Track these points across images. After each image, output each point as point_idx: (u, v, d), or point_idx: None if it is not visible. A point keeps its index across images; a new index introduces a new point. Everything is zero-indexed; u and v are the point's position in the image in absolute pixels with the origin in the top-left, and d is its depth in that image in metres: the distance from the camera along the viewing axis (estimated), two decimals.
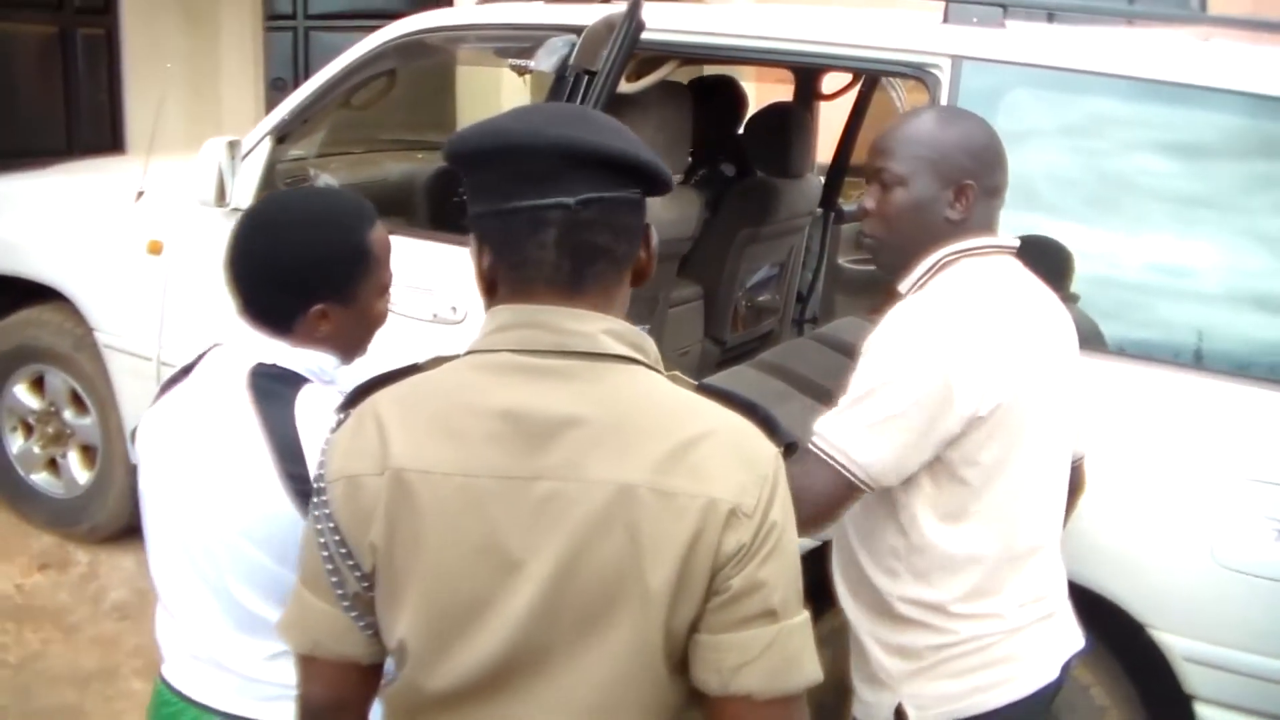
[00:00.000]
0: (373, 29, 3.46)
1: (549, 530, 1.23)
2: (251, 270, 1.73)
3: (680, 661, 1.27)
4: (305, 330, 1.73)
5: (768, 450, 1.27)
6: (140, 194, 3.73)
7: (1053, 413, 1.87)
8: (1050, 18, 2.75)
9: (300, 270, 1.70)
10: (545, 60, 2.99)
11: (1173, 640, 2.33)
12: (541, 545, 1.23)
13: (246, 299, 1.74)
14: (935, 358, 1.75)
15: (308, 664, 1.37)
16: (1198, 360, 2.40)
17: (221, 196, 3.33)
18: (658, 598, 1.21)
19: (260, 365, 1.71)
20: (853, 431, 1.77)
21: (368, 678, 1.38)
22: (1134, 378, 2.38)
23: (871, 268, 4.75)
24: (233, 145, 3.34)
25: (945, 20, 2.68)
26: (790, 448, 1.32)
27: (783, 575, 1.25)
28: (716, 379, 3.40)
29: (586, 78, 2.83)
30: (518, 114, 1.33)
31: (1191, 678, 2.33)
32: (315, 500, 1.33)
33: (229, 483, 1.67)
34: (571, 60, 2.59)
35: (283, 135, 3.46)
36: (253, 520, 1.65)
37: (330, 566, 1.32)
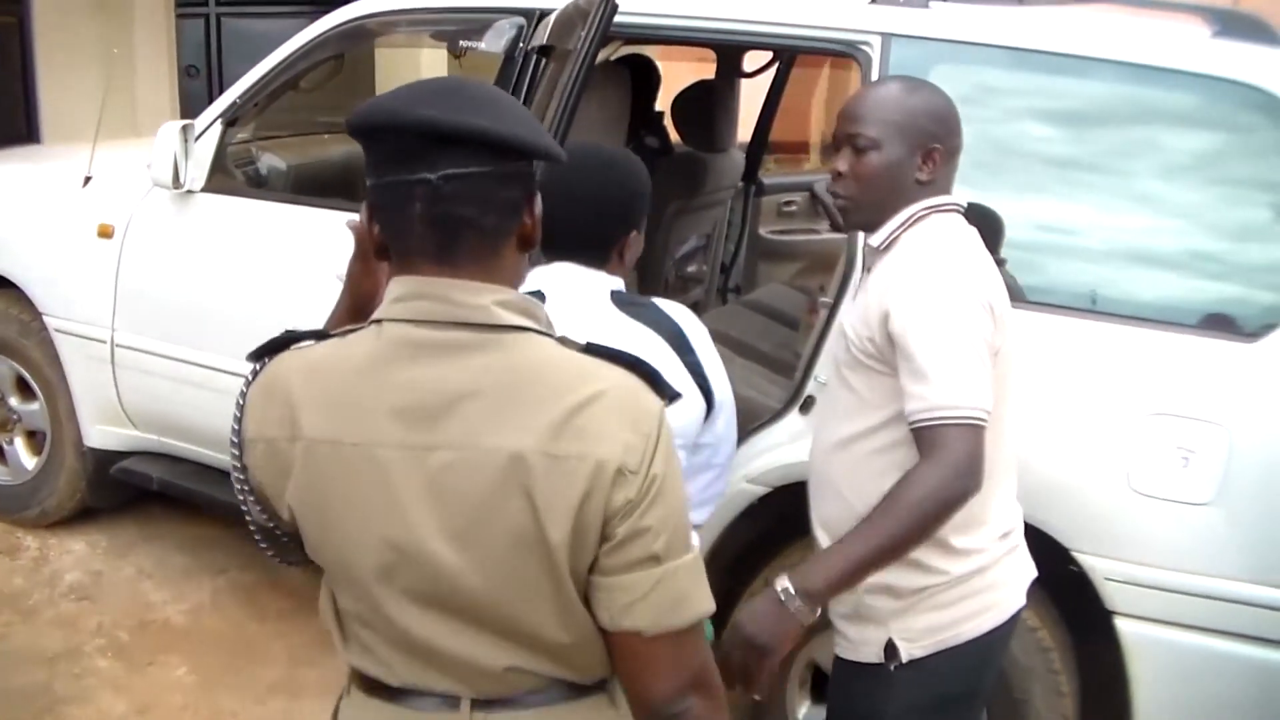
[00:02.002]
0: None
1: (448, 497, 1.31)
2: (590, 207, 2.01)
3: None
4: (615, 258, 2.05)
5: (653, 405, 1.35)
6: (88, 179, 3.79)
7: (1016, 353, 2.03)
8: None
9: (628, 201, 2.04)
10: (494, 42, 3.13)
11: (1095, 562, 2.54)
12: (443, 510, 1.32)
13: (582, 234, 2.01)
14: (972, 289, 1.90)
15: None
16: (1107, 309, 2.61)
17: (178, 179, 3.42)
18: (559, 550, 1.31)
19: (614, 291, 2.02)
20: (966, 386, 1.84)
21: None
22: (1053, 327, 2.60)
23: (790, 238, 5.03)
24: (186, 129, 3.43)
25: (873, 1, 2.88)
26: (674, 399, 1.40)
27: (666, 521, 1.33)
28: None
29: (535, 59, 2.99)
30: (395, 93, 1.37)
31: (1112, 595, 2.54)
32: (235, 452, 1.42)
33: None
34: (546, 41, 2.72)
35: (233, 119, 3.56)
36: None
37: (244, 505, 1.45)
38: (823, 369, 2.64)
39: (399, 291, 1.35)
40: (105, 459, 3.88)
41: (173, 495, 3.86)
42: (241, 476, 1.42)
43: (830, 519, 2.09)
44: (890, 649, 1.99)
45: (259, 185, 3.85)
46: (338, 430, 1.33)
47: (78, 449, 3.95)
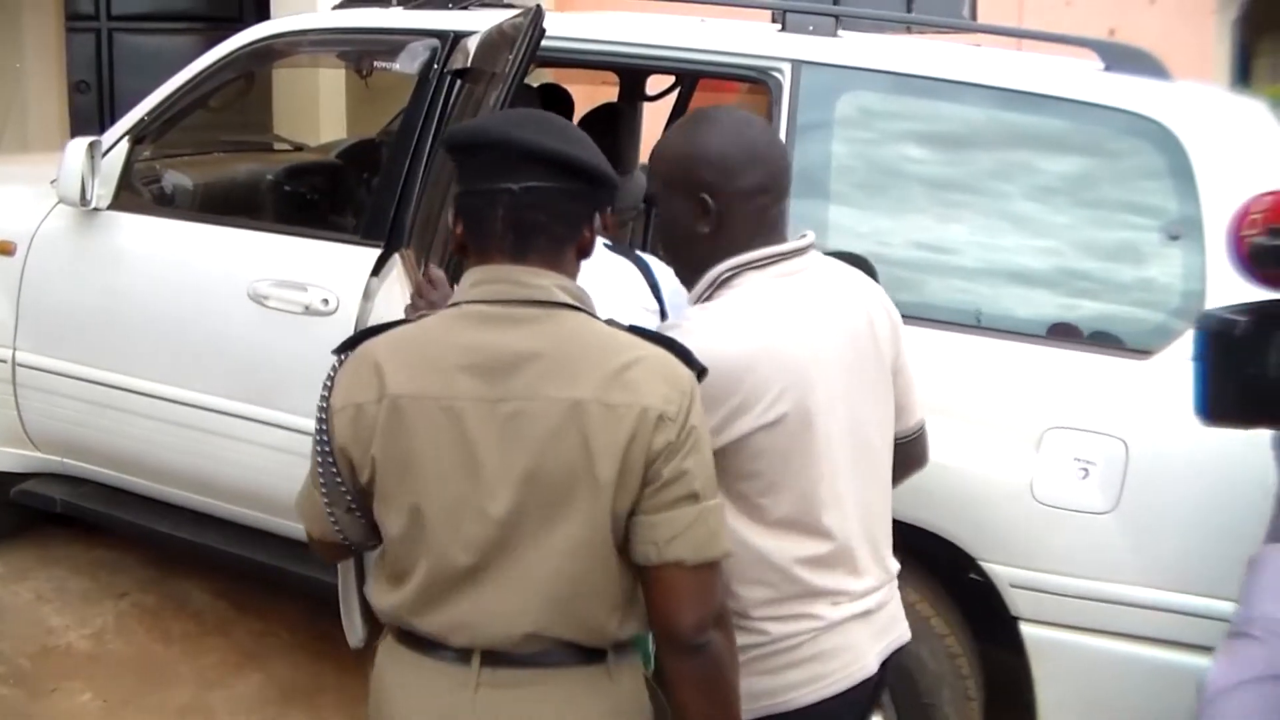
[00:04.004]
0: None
1: (516, 441, 1.56)
2: None
3: (624, 545, 1.59)
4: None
5: (686, 372, 1.61)
6: None
7: (851, 411, 1.89)
8: (836, 22, 3.00)
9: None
10: (409, 64, 3.16)
11: (1001, 570, 2.64)
12: (510, 453, 1.56)
13: None
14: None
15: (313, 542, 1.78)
16: (1009, 327, 2.72)
17: (85, 196, 3.37)
18: (605, 488, 1.55)
19: None
20: None
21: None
22: (958, 345, 2.71)
23: None
24: (94, 146, 3.38)
25: (783, 29, 2.98)
26: (702, 373, 1.64)
27: (701, 468, 1.59)
28: None
29: (450, 81, 3.02)
30: (492, 117, 1.74)
31: (1017, 601, 2.64)
32: (319, 426, 1.65)
33: None
34: (470, 64, 2.76)
35: (140, 137, 3.53)
36: None
37: (324, 488, 1.66)
38: None
39: (476, 278, 1.63)
40: (4, 481, 3.77)
41: (77, 517, 3.78)
42: (325, 446, 1.63)
43: None
44: None
45: (165, 203, 3.80)
46: (420, 386, 1.58)
47: None
